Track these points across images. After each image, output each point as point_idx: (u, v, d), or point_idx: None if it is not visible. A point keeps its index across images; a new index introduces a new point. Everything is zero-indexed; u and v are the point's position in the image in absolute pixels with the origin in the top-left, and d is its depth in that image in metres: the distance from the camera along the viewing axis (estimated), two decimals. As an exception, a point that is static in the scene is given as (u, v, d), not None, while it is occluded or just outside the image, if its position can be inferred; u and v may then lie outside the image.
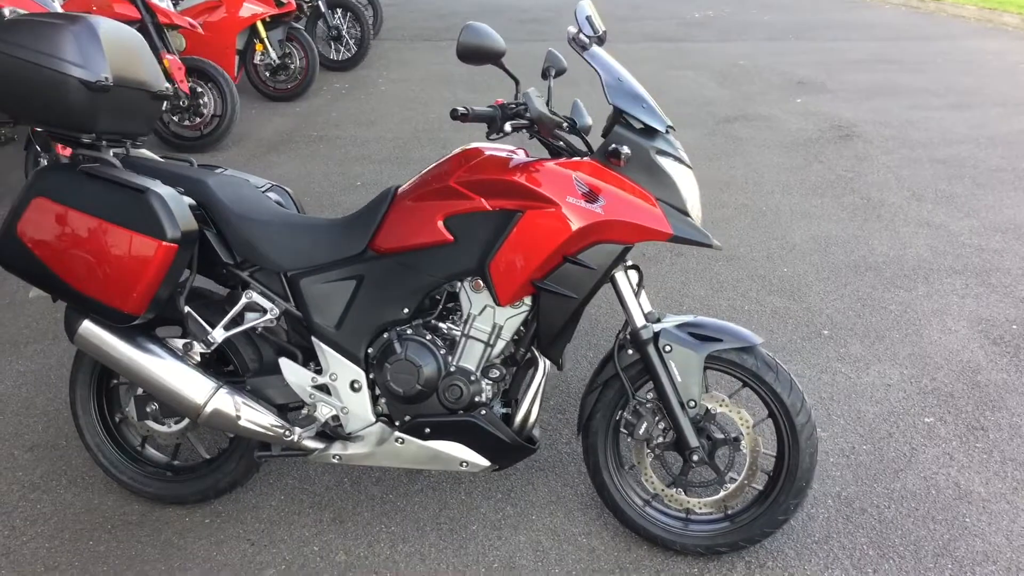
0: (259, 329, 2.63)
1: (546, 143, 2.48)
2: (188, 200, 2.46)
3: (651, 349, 2.46)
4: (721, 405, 2.52)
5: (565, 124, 2.50)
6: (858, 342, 3.77)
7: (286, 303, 2.57)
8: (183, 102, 6.28)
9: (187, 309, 2.57)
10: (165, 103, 6.09)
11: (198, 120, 6.37)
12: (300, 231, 2.59)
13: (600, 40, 2.60)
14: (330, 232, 2.58)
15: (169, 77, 6.14)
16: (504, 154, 2.47)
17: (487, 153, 2.47)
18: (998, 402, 3.34)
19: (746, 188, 5.63)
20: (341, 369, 2.56)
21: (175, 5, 7.36)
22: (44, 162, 6.14)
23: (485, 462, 2.55)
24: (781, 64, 9.04)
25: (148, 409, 2.71)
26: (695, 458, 2.50)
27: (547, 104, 2.60)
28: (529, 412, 2.58)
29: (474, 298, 2.49)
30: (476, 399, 2.51)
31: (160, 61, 6.07)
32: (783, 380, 2.47)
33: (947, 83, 8.19)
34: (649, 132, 2.41)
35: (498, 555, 2.63)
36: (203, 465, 2.82)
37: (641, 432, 2.53)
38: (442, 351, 2.52)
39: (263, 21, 7.48)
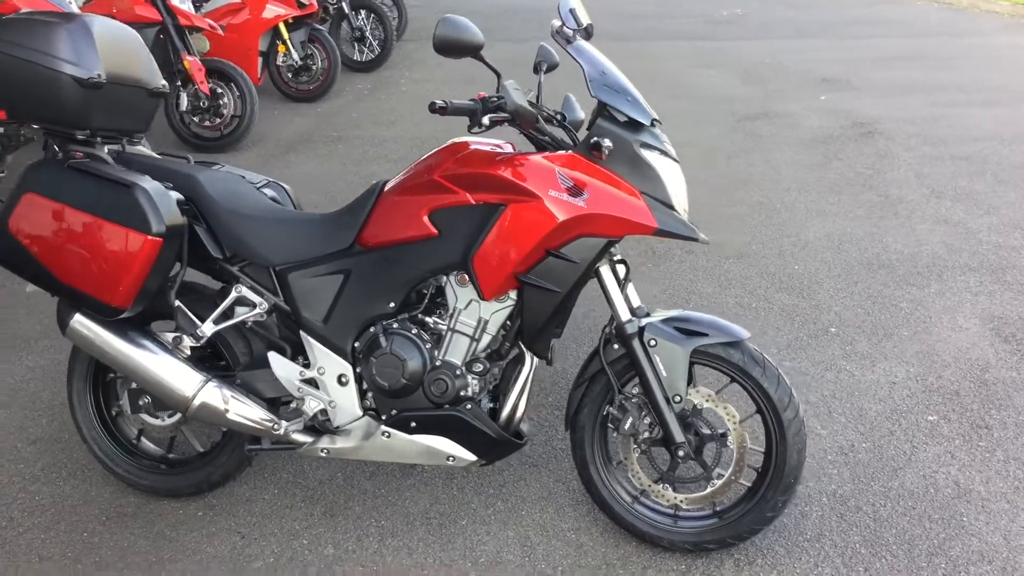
0: (249, 323, 2.65)
1: (530, 137, 2.48)
2: (176, 195, 2.49)
3: (636, 343, 2.45)
4: (708, 400, 2.50)
5: (548, 117, 2.50)
6: (865, 340, 3.72)
7: (275, 297, 2.59)
8: (203, 103, 6.35)
9: (177, 303, 2.60)
10: (187, 103, 6.20)
11: (218, 120, 6.43)
12: (289, 226, 2.61)
13: (587, 34, 2.60)
14: (318, 227, 2.60)
15: (189, 78, 6.23)
16: (489, 148, 2.47)
17: (472, 147, 2.48)
18: (1005, 400, 3.27)
19: (762, 185, 5.58)
20: (328, 363, 2.58)
21: (198, 8, 7.46)
22: (184, 104, 6.29)
23: (472, 457, 2.55)
24: (806, 62, 8.94)
25: (141, 402, 2.75)
26: (681, 453, 2.48)
27: (537, 98, 2.60)
28: (516, 407, 2.58)
29: (459, 292, 2.49)
30: (462, 393, 2.51)
31: (180, 62, 6.16)
32: (770, 375, 2.44)
33: (975, 79, 8.05)
34: (634, 125, 2.40)
35: (485, 550, 2.63)
36: (196, 458, 2.85)
37: (626, 427, 2.52)
38: (428, 345, 2.52)
39: (285, 23, 7.54)
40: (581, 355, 3.59)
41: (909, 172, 5.69)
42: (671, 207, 2.40)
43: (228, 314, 2.62)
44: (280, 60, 7.78)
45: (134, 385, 2.73)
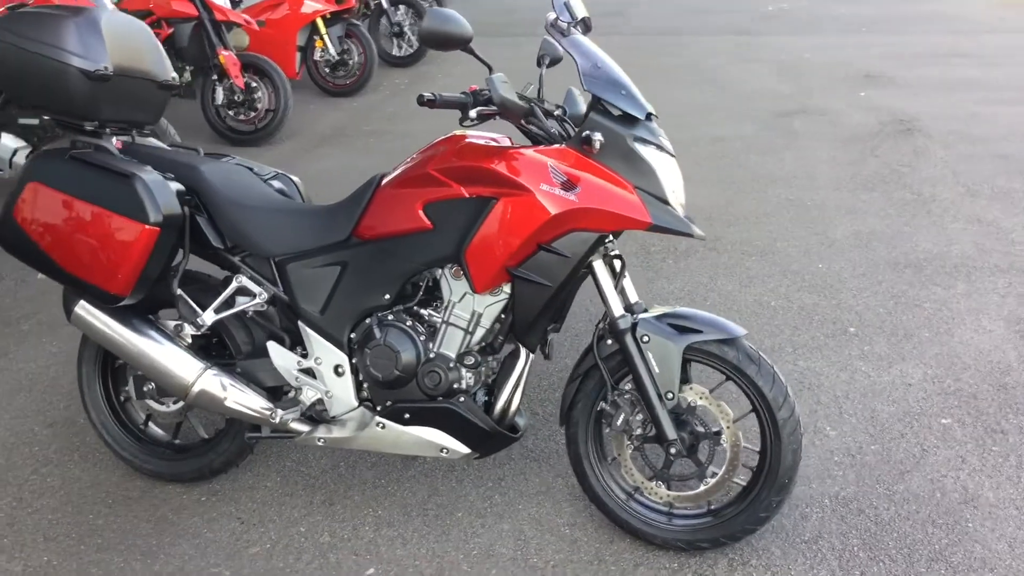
0: (249, 313, 2.69)
1: (524, 130, 2.47)
2: (177, 186, 2.53)
3: (629, 339, 2.43)
4: (702, 398, 2.47)
5: (546, 111, 2.49)
6: (884, 340, 3.65)
7: (274, 288, 2.62)
8: (238, 97, 6.45)
9: (180, 292, 2.64)
10: (222, 97, 6.30)
11: (252, 114, 6.53)
12: (288, 217, 2.64)
13: (586, 27, 2.59)
14: (317, 219, 2.62)
15: (225, 73, 6.33)
16: (485, 141, 2.47)
17: (468, 140, 2.48)
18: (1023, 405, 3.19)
19: (794, 183, 5.50)
20: (325, 353, 2.60)
21: (238, 3, 7.57)
22: (220, 97, 6.42)
23: (465, 449, 2.56)
24: (850, 57, 8.79)
25: (146, 389, 2.80)
26: (673, 451, 2.46)
27: (538, 92, 2.60)
28: (510, 401, 2.58)
29: (454, 285, 2.50)
30: (455, 386, 2.51)
31: (216, 56, 6.26)
32: (765, 373, 2.41)
33: (1021, 77, 7.84)
34: (629, 120, 2.38)
35: (479, 542, 2.64)
36: (200, 445, 2.89)
37: (619, 423, 2.50)
38: (422, 337, 2.53)
39: (323, 18, 7.63)
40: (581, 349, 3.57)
41: (946, 170, 5.56)
42: (666, 202, 2.38)
43: (229, 303, 2.66)
44: (317, 55, 7.86)
45: (140, 371, 2.78)
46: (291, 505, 2.81)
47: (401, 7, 9.00)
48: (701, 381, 2.53)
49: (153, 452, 2.89)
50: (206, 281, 2.75)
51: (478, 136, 2.50)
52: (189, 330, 2.64)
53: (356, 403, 2.60)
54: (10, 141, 4.91)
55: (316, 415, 2.66)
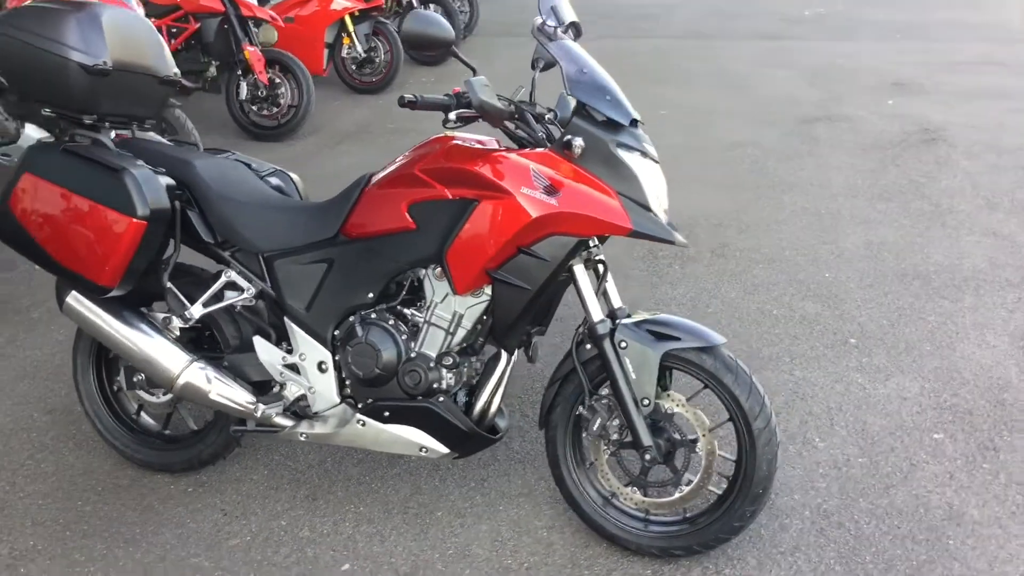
0: (238, 307, 2.73)
1: (509, 133, 2.48)
2: (167, 181, 2.57)
3: (607, 344, 2.43)
4: (679, 406, 2.47)
5: (537, 115, 2.50)
6: (884, 353, 3.61)
7: (262, 283, 2.66)
8: (262, 92, 6.52)
9: (169, 285, 2.69)
10: (246, 92, 6.37)
11: (275, 110, 6.60)
12: (278, 214, 2.67)
13: (577, 32, 2.60)
14: (306, 216, 2.66)
15: (249, 68, 6.40)
16: (472, 143, 2.49)
17: (455, 142, 2.50)
18: (1020, 423, 3.14)
19: (810, 190, 5.45)
20: (310, 350, 2.64)
21: (266, 1, 7.66)
22: (244, 93, 6.51)
23: (444, 449, 2.58)
24: (881, 64, 8.68)
25: (135, 379, 2.86)
26: (648, 457, 2.46)
27: (530, 95, 2.61)
28: (490, 402, 2.59)
29: (436, 286, 2.52)
30: (435, 386, 2.53)
31: (241, 52, 6.33)
32: (742, 383, 2.40)
33: (1057, 87, 7.71)
34: (613, 125, 2.38)
35: (456, 542, 2.66)
36: (190, 436, 2.94)
37: (595, 428, 2.51)
38: (404, 337, 2.56)
39: (351, 15, 7.68)
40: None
41: (966, 181, 5.48)
42: (648, 208, 2.38)
43: (218, 298, 2.70)
44: (345, 52, 7.93)
45: (128, 362, 2.83)
46: (275, 499, 2.84)
47: (431, 6, 9.04)
48: (682, 389, 2.54)
49: (143, 442, 2.94)
50: (198, 275, 2.79)
51: (466, 138, 2.51)
52: (177, 323, 2.69)
53: (338, 400, 2.63)
54: (34, 131, 5.00)
55: (300, 411, 2.69)
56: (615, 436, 2.51)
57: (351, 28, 7.73)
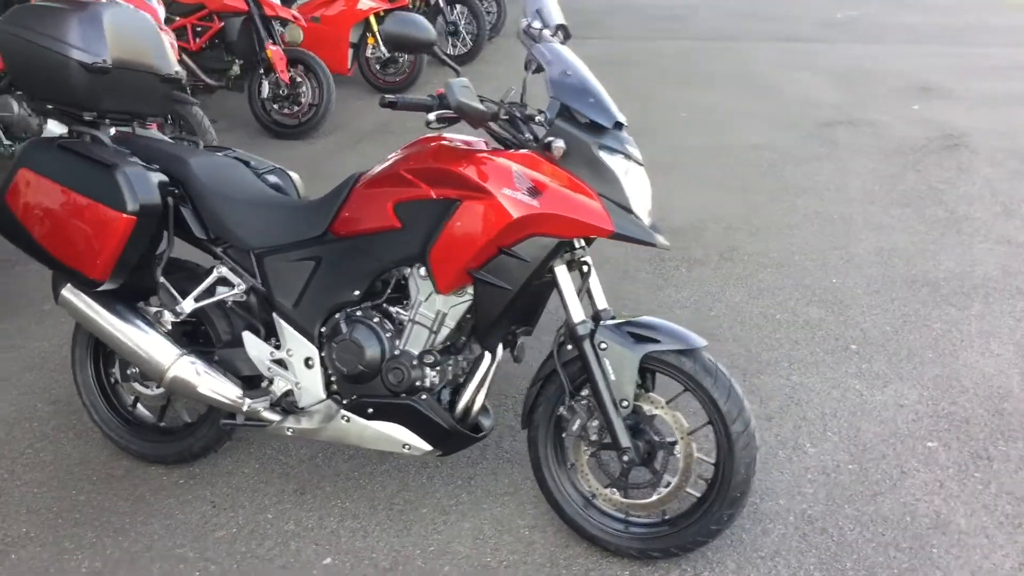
0: (229, 303, 2.77)
1: (494, 134, 2.50)
2: (159, 177, 2.63)
3: (587, 346, 2.44)
4: (659, 408, 2.48)
5: (527, 116, 2.51)
6: (885, 359, 3.58)
7: (252, 279, 2.70)
8: (283, 91, 6.59)
9: (162, 279, 2.74)
10: (268, 91, 6.44)
11: (296, 109, 6.67)
12: (270, 211, 2.71)
13: (566, 34, 2.61)
14: (296, 214, 2.70)
15: (271, 67, 6.48)
16: (458, 144, 2.51)
17: (441, 143, 2.52)
18: (1017, 432, 3.10)
19: (825, 195, 5.41)
20: (297, 346, 2.67)
21: (292, 1, 7.75)
22: (266, 91, 6.61)
23: (427, 446, 2.60)
24: (910, 68, 8.58)
25: (129, 371, 2.91)
26: (626, 459, 2.46)
27: (521, 96, 2.62)
28: (472, 401, 2.61)
29: (421, 284, 2.54)
30: (417, 384, 2.56)
31: (263, 51, 6.41)
32: (721, 386, 2.40)
33: (1090, 93, 7.57)
34: (596, 128, 2.39)
35: (438, 539, 2.68)
36: (183, 428, 3.00)
37: (574, 429, 2.52)
38: (388, 334, 2.58)
39: (376, 15, 7.74)
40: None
41: (985, 188, 5.41)
42: (630, 210, 2.39)
43: (210, 293, 2.75)
44: (369, 52, 7.99)
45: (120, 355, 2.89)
46: (264, 492, 2.89)
47: (457, 6, 9.09)
48: (666, 392, 2.54)
49: (138, 434, 3.00)
50: (193, 270, 2.84)
51: (453, 139, 2.54)
52: (169, 317, 2.75)
53: (324, 395, 2.67)
54: (56, 127, 5.11)
55: (287, 406, 2.73)
56: (595, 437, 2.51)
57: (375, 28, 7.79)
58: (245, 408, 2.67)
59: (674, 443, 2.48)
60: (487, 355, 2.59)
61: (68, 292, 2.73)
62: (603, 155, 2.38)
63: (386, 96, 2.38)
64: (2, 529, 2.72)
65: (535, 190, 2.33)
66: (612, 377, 2.42)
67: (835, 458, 3.00)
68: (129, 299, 2.79)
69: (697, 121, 7.07)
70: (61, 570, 2.57)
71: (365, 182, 2.60)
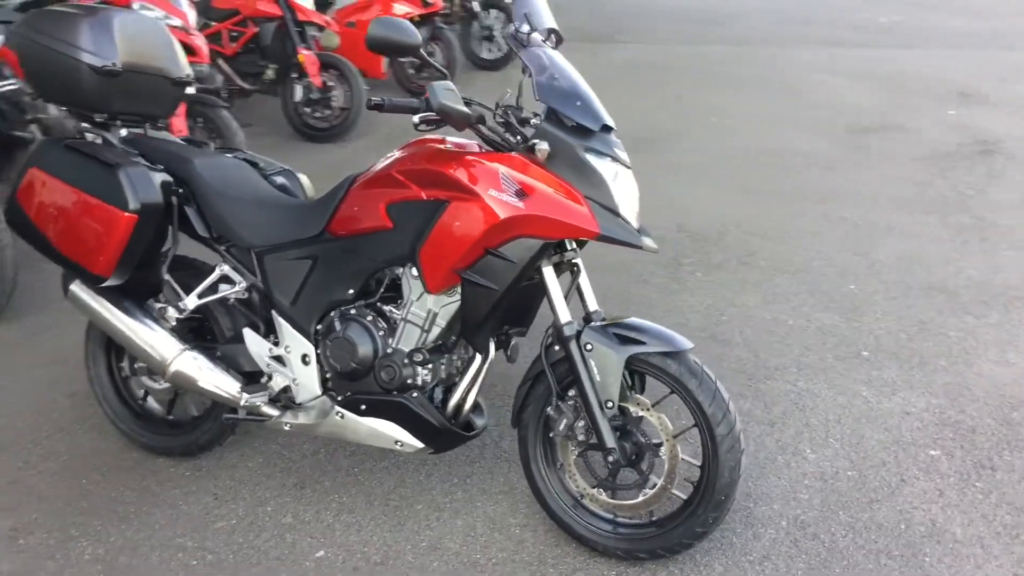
0: (231, 300, 2.85)
1: (483, 137, 2.53)
2: (163, 177, 2.70)
3: (573, 346, 2.46)
4: (644, 410, 2.49)
5: (523, 119, 2.53)
6: (896, 367, 3.55)
7: (253, 277, 2.77)
8: (315, 95, 6.70)
9: (167, 277, 2.82)
10: (300, 95, 6.55)
11: (327, 112, 6.77)
12: (271, 211, 2.78)
13: (557, 39, 2.63)
14: (296, 214, 2.75)
15: (303, 71, 6.59)
16: (451, 146, 2.55)
17: (433, 144, 2.57)
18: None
19: (850, 200, 5.37)
20: (294, 343, 2.73)
21: (330, 5, 7.87)
22: (298, 95, 6.74)
23: (418, 443, 2.64)
24: (950, 73, 8.46)
25: (137, 366, 3.00)
26: (611, 459, 2.48)
27: (517, 99, 2.65)
28: (464, 400, 2.65)
29: (413, 284, 2.58)
30: (409, 382, 2.60)
31: (296, 56, 6.53)
32: (706, 389, 2.41)
33: None
34: (583, 131, 2.42)
35: (429, 535, 2.72)
36: (189, 422, 3.07)
37: (561, 428, 2.54)
38: (381, 333, 2.63)
39: (411, 20, 7.82)
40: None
41: (1015, 195, 5.32)
42: (616, 213, 2.41)
43: (212, 290, 2.82)
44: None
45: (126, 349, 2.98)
46: (265, 486, 2.95)
47: (492, 11, 9.15)
48: (656, 394, 2.55)
49: (147, 426, 3.09)
50: (199, 268, 2.92)
51: (445, 141, 2.58)
52: (172, 313, 2.82)
53: (320, 391, 2.72)
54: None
55: (285, 401, 2.79)
56: (582, 437, 2.53)
57: (410, 33, 7.86)
58: (243, 403, 2.74)
59: (659, 445, 2.49)
60: (478, 355, 2.63)
61: (76, 287, 2.82)
62: (590, 158, 2.40)
63: (372, 98, 2.43)
64: (13, 516, 2.82)
65: (522, 192, 2.36)
66: (597, 378, 2.44)
67: (835, 464, 2.98)
68: (138, 296, 2.87)
69: (728, 126, 7.05)
70: (65, 556, 2.65)
71: (361, 183, 2.65)
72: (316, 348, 2.71)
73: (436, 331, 2.59)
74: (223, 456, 3.10)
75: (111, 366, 3.12)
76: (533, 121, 2.59)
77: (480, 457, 3.06)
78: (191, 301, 2.80)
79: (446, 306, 2.56)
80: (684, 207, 5.32)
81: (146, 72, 2.86)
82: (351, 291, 2.65)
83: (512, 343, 2.76)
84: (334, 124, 6.82)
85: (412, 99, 2.46)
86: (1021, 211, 5.07)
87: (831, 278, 4.35)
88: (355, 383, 2.66)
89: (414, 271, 2.56)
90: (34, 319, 4.08)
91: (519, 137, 2.50)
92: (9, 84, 4.40)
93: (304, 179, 3.10)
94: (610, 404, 2.44)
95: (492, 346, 2.64)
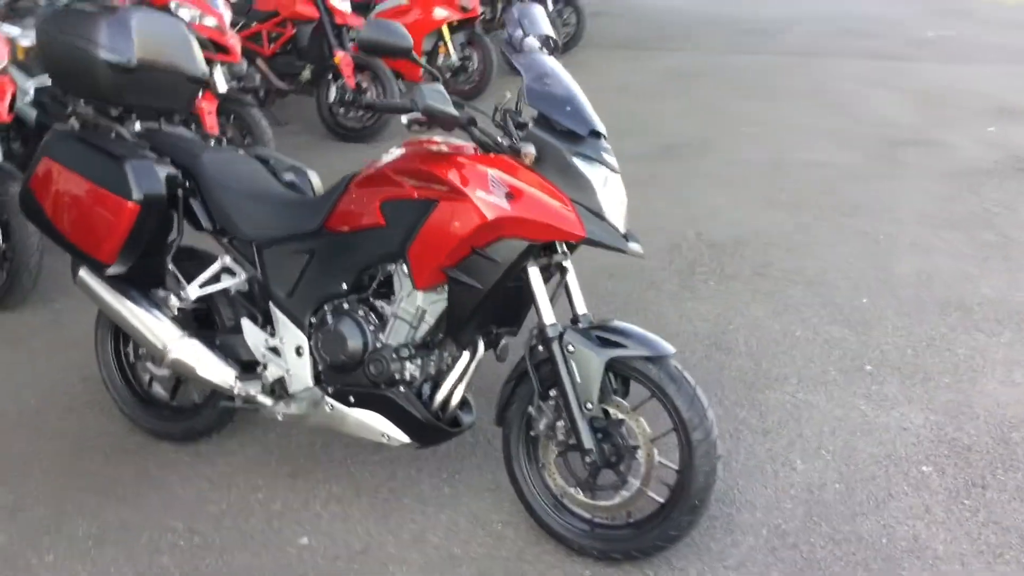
0: (232, 291, 2.94)
1: (476, 139, 2.58)
2: (168, 170, 2.80)
3: (556, 347, 2.50)
4: (624, 413, 2.52)
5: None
6: (898, 382, 3.52)
7: (253, 269, 2.86)
8: (349, 96, 6.81)
9: (171, 267, 2.92)
10: (335, 95, 6.65)
11: (361, 113, 6.87)
12: (273, 207, 2.86)
13: (553, 45, 2.68)
14: (297, 210, 2.84)
15: (338, 72, 6.70)
16: (445, 147, 2.61)
17: (427, 145, 2.63)
18: (1021, 464, 3.02)
19: (875, 214, 5.31)
20: (289, 334, 2.81)
21: (371, 7, 7.99)
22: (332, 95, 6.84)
23: (404, 437, 2.70)
24: (994, 89, 8.29)
25: (141, 351, 3.10)
26: (588, 460, 2.52)
27: (516, 103, 2.70)
28: (450, 396, 2.70)
29: (404, 281, 2.65)
30: (396, 376, 2.66)
31: (332, 57, 6.64)
32: (684, 394, 2.43)
33: None
34: (572, 136, 2.46)
35: (413, 528, 2.78)
36: (191, 408, 3.17)
37: (541, 428, 2.58)
38: (372, 327, 2.69)
39: (449, 25, 7.92)
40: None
41: (1046, 214, 5.23)
42: (603, 217, 2.44)
43: (214, 280, 2.91)
44: (440, 60, 8.17)
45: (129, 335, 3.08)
46: (259, 473, 3.03)
47: (533, 17, 9.19)
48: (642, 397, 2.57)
49: (150, 411, 3.19)
50: (204, 258, 3.01)
51: (439, 142, 2.64)
52: (175, 302, 2.92)
53: (311, 382, 2.79)
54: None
55: (279, 391, 2.87)
56: (562, 437, 2.57)
57: (447, 37, 7.96)
58: (237, 391, 2.83)
59: (637, 448, 2.52)
60: (465, 353, 2.68)
61: (84, 273, 2.93)
62: (578, 162, 2.44)
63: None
64: (16, 491, 2.94)
65: (509, 194, 2.41)
66: (578, 379, 2.48)
67: (823, 476, 2.97)
68: (143, 284, 2.97)
69: (761, 136, 7.00)
70: (59, 531, 2.76)
71: (358, 181, 2.72)
72: (309, 340, 2.78)
73: (424, 328, 2.65)
74: (222, 443, 3.18)
75: (119, 351, 3.23)
76: (530, 125, 2.64)
77: (471, 454, 3.11)
78: (193, 291, 2.90)
79: (435, 303, 2.62)
80: (705, 215, 5.31)
81: (162, 69, 2.96)
82: (344, 285, 2.72)
83: (502, 343, 2.81)
84: (366, 125, 6.92)
85: (402, 100, 2.52)
86: (1048, 231, 4.98)
87: (845, 291, 4.32)
88: (345, 375, 2.73)
89: (405, 268, 2.62)
90: (57, 304, 4.22)
91: (513, 140, 2.55)
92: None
93: (314, 177, 3.17)
94: (589, 406, 2.48)
95: (481, 345, 2.69)
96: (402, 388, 2.66)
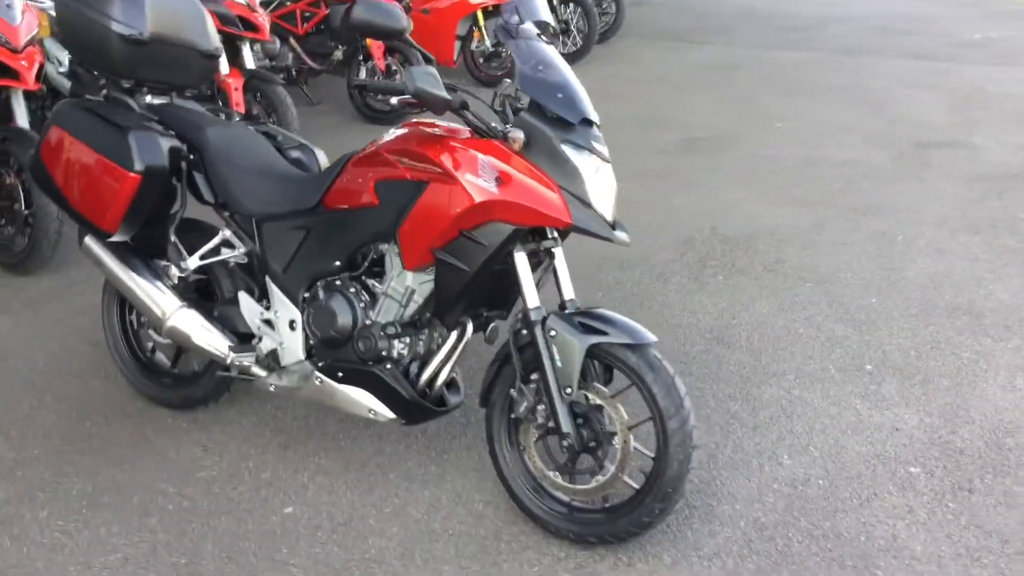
0: (231, 264, 3.00)
1: (469, 123, 2.61)
2: (171, 143, 2.86)
3: (538, 331, 2.53)
4: (602, 399, 2.54)
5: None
6: (897, 383, 3.50)
7: (252, 243, 2.92)
8: (377, 78, 6.86)
9: (173, 238, 2.99)
10: (364, 76, 6.71)
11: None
12: (273, 182, 2.92)
13: (554, 33, 2.70)
14: (296, 186, 2.89)
15: (369, 54, 6.76)
16: (439, 130, 2.65)
17: (422, 127, 2.67)
18: (1010, 468, 2.99)
19: (895, 215, 5.25)
20: (283, 308, 2.87)
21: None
22: (363, 77, 6.89)
23: (390, 413, 2.75)
24: (1034, 93, 8.16)
25: (144, 320, 3.18)
26: (566, 444, 2.55)
27: (516, 89, 2.72)
28: (436, 375, 2.74)
29: (394, 261, 2.69)
30: (384, 354, 2.70)
31: (363, 39, 6.70)
32: (661, 383, 2.45)
33: None
34: (563, 123, 2.48)
35: (395, 502, 2.83)
36: (190, 376, 3.24)
37: (521, 411, 2.61)
38: (362, 305, 2.74)
39: (484, 10, 7.95)
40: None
41: (1070, 221, 5.14)
42: (590, 205, 2.47)
43: (214, 252, 2.98)
44: (474, 45, 8.21)
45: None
46: (253, 443, 3.10)
47: (570, 4, 9.19)
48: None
49: (151, 377, 3.28)
50: (206, 231, 3.08)
51: (434, 124, 2.67)
52: (175, 272, 2.99)
53: (303, 356, 2.85)
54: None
55: (271, 363, 2.93)
56: (542, 421, 2.60)
57: (482, 22, 7.99)
58: (229, 361, 2.89)
59: (614, 434, 2.55)
60: (453, 334, 2.72)
61: (89, 241, 3.02)
62: (567, 150, 2.46)
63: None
64: (17, 449, 3.04)
65: (499, 178, 2.44)
66: (559, 364, 2.51)
67: (808, 472, 2.98)
68: (146, 253, 3.05)
69: (791, 132, 6.96)
70: (54, 489, 2.86)
71: (355, 160, 2.77)
72: (302, 315, 2.84)
73: (413, 308, 2.69)
74: (220, 412, 3.26)
75: (124, 319, 3.32)
76: (458, 104, 2.64)
77: (461, 435, 3.16)
78: (193, 262, 2.97)
79: (424, 284, 2.67)
80: (722, 210, 5.30)
81: (174, 43, 3.02)
82: (337, 263, 2.77)
83: (492, 325, 2.85)
84: (394, 107, 6.95)
85: (394, 82, 2.56)
86: (1071, 238, 4.90)
87: (854, 290, 4.30)
88: (335, 351, 2.78)
89: (396, 248, 2.66)
90: (73, 271, 4.34)
91: (497, 124, 2.58)
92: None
93: (321, 154, 3.23)
94: (569, 390, 2.51)
95: (470, 326, 2.73)
96: (389, 366, 2.71)
